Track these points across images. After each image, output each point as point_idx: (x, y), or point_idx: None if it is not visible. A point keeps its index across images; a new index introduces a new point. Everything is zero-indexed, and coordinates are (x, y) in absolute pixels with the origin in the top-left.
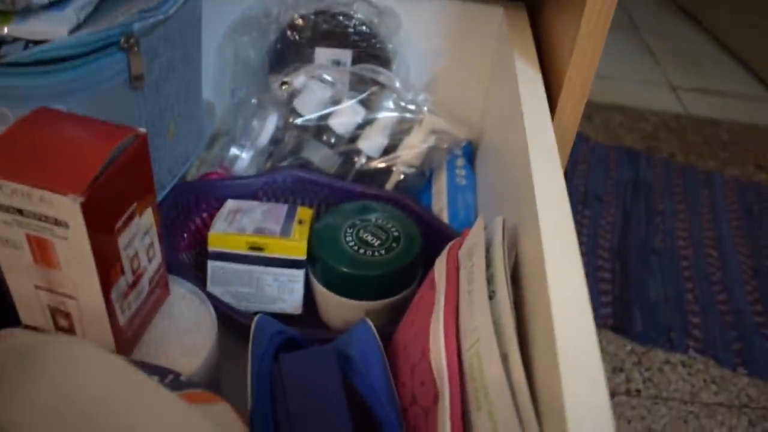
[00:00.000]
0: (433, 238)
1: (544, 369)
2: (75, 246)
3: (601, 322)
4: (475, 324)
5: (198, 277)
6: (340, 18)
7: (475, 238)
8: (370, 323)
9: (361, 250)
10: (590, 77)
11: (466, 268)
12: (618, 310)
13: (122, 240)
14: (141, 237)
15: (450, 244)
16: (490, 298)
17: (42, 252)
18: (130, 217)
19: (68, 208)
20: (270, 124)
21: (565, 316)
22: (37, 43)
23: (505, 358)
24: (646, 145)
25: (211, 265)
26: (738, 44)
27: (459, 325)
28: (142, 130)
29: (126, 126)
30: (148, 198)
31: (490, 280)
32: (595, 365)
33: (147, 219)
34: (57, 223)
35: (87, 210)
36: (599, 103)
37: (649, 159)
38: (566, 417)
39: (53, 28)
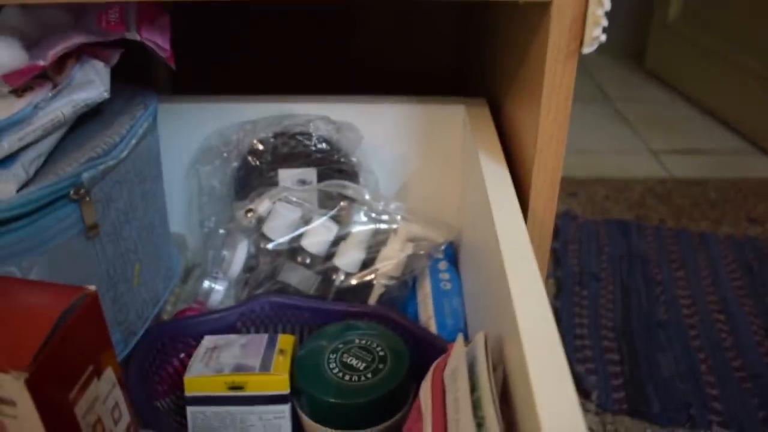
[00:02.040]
0: (422, 351)
1: None
2: (26, 424)
3: (615, 408)
4: None
5: (180, 423)
6: (300, 138)
7: (456, 360)
8: None
9: (347, 376)
10: (559, 167)
11: (452, 393)
12: (632, 392)
13: (80, 408)
14: (102, 400)
15: (434, 365)
16: (479, 425)
17: None
18: (87, 382)
19: (12, 385)
20: (241, 253)
21: None
22: None
23: None
24: (634, 214)
25: (191, 411)
26: (710, 101)
27: None
28: (92, 288)
29: (74, 286)
30: (106, 357)
31: (476, 404)
32: None
33: (107, 379)
34: (3, 401)
35: (33, 385)
36: (581, 178)
37: (640, 228)
38: None
39: (0, 187)
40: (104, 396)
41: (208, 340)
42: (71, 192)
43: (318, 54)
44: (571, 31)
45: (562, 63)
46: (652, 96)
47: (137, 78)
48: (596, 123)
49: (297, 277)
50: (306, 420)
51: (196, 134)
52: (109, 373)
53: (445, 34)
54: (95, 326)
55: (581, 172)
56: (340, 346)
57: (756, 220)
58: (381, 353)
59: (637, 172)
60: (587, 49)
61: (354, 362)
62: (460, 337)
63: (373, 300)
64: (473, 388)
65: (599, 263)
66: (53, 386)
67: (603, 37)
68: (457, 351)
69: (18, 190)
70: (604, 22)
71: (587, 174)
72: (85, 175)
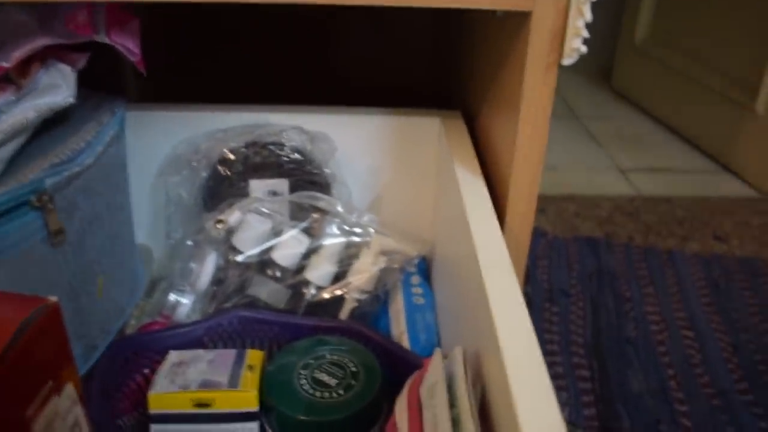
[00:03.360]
0: (395, 367)
1: None
2: None
3: (586, 424)
4: None
5: None
6: (272, 148)
7: (434, 376)
8: None
9: (318, 393)
10: (536, 183)
11: (430, 410)
12: (602, 409)
13: (38, 426)
14: (62, 417)
15: (409, 381)
16: None
17: None
18: (46, 399)
19: None
20: (209, 265)
21: None
22: None
23: None
24: (603, 231)
25: (155, 429)
26: (677, 121)
27: None
28: (53, 299)
29: (34, 297)
30: (67, 372)
31: (455, 420)
32: None
33: (68, 396)
34: None
35: None
36: (550, 194)
37: (609, 245)
38: None
39: None
40: (64, 413)
41: (173, 355)
42: (33, 198)
43: (290, 64)
44: (552, 42)
45: (542, 74)
46: (620, 114)
47: (103, 83)
48: (565, 140)
49: (267, 290)
50: None
51: (164, 143)
52: (69, 390)
53: (419, 45)
54: (56, 339)
55: (550, 189)
56: (311, 361)
57: (722, 238)
58: (353, 369)
59: (606, 189)
60: (567, 61)
61: (325, 378)
62: (437, 353)
63: (344, 314)
64: (452, 404)
65: (569, 280)
66: (10, 402)
67: (583, 48)
68: (435, 366)
69: None
70: (585, 34)
71: (556, 191)
72: (48, 182)
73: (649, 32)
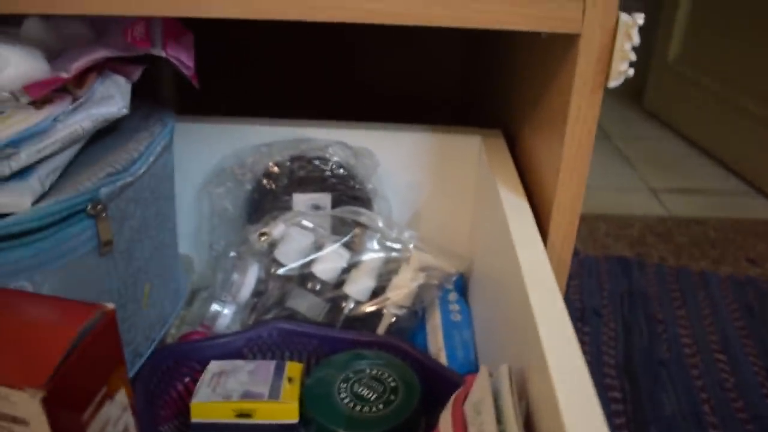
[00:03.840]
0: (432, 383)
1: None
2: None
3: None
4: None
5: None
6: (317, 162)
7: (480, 391)
8: None
9: (357, 407)
10: (579, 200)
11: (475, 426)
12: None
13: (92, 430)
14: (114, 422)
15: (453, 397)
16: None
17: None
18: (100, 404)
19: (27, 404)
20: (251, 277)
21: None
22: None
23: None
24: (635, 251)
25: None
26: (710, 143)
27: None
28: (110, 305)
29: (91, 303)
30: (119, 378)
31: None
32: None
33: (120, 401)
34: (15, 421)
35: (49, 404)
36: (582, 213)
37: (641, 266)
38: None
39: (15, 200)
40: (115, 419)
41: (214, 365)
42: (88, 207)
43: (317, 79)
44: (598, 64)
45: (588, 96)
46: (652, 135)
47: (145, 95)
48: (596, 160)
49: (306, 303)
50: None
51: (210, 155)
52: (121, 396)
53: (448, 63)
54: (111, 345)
55: (582, 208)
56: (351, 375)
57: (755, 261)
58: (392, 384)
59: (637, 209)
60: (614, 83)
61: (365, 392)
62: (483, 369)
63: (382, 329)
64: (498, 420)
65: (600, 299)
66: (68, 405)
67: (631, 71)
68: (482, 383)
69: (33, 204)
70: (632, 57)
71: (587, 210)
72: (103, 191)
73: (681, 52)
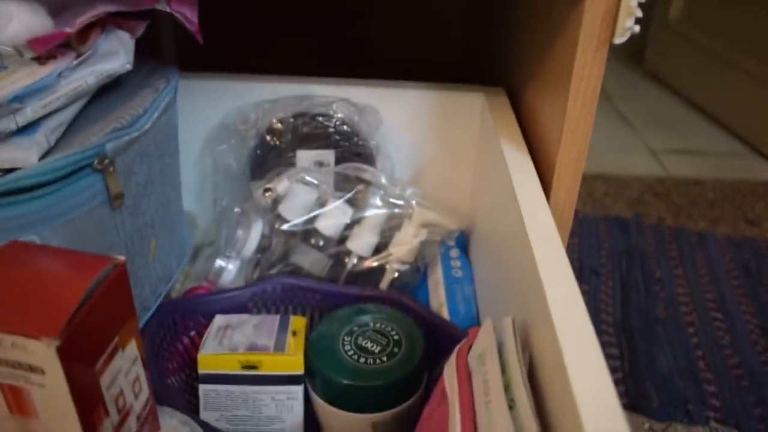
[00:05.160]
0: (435, 337)
1: None
2: (53, 393)
3: None
4: None
5: (189, 402)
6: (320, 119)
7: (485, 342)
8: None
9: (362, 359)
10: (582, 158)
11: (480, 375)
12: (631, 388)
13: (105, 379)
14: (125, 372)
15: (457, 348)
16: (510, 408)
17: (17, 401)
18: (113, 353)
19: (43, 352)
20: (255, 233)
21: (597, 424)
22: (5, 171)
23: None
24: (633, 212)
25: (203, 389)
26: (710, 103)
27: None
28: (121, 257)
29: (103, 255)
30: (130, 329)
31: (506, 387)
32: None
33: (131, 352)
34: (31, 369)
35: (64, 353)
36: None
37: (639, 226)
38: None
39: (22, 155)
40: (127, 369)
41: (219, 319)
42: (95, 162)
43: (320, 40)
44: (604, 20)
45: (593, 53)
46: (651, 96)
47: (147, 52)
48: (596, 120)
49: (309, 259)
50: (319, 402)
51: (213, 112)
52: (132, 346)
53: (452, 21)
54: (122, 297)
55: None
56: (355, 328)
57: (753, 222)
58: (396, 337)
59: (637, 170)
60: (619, 40)
61: (369, 345)
62: (488, 321)
63: (384, 285)
64: (502, 370)
65: (599, 259)
66: (82, 355)
67: (636, 28)
68: (486, 334)
69: (40, 159)
70: (638, 13)
71: (586, 170)
72: (110, 146)
73: (683, 12)
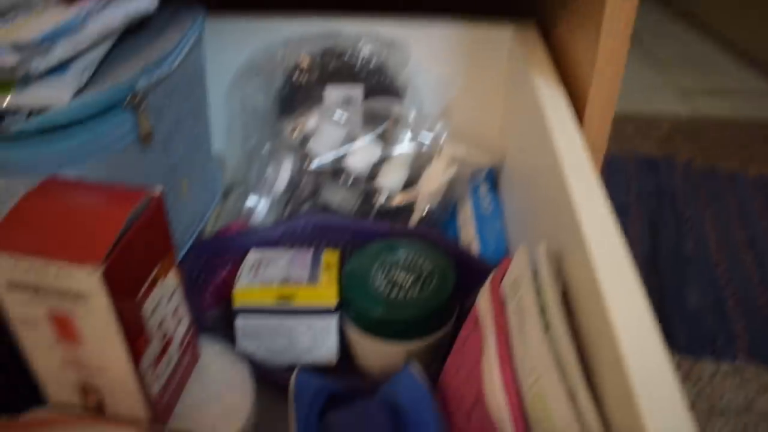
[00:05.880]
0: (465, 272)
1: (617, 404)
2: (98, 319)
3: None
4: (533, 362)
5: (227, 334)
6: (348, 56)
7: (519, 268)
8: (416, 370)
9: (394, 292)
10: (615, 94)
11: (514, 301)
12: (659, 325)
13: (147, 307)
14: (166, 301)
15: (490, 277)
16: (546, 328)
17: (64, 328)
18: (154, 282)
19: (88, 279)
20: (285, 171)
21: (633, 344)
22: (39, 111)
23: (571, 395)
24: (662, 151)
25: (240, 321)
26: (743, 43)
27: (514, 365)
28: (158, 190)
29: (140, 188)
30: (169, 259)
31: (542, 311)
32: (675, 395)
33: (171, 281)
34: (78, 295)
35: (108, 279)
36: None
37: (669, 165)
38: None
39: (56, 94)
40: (167, 297)
41: (253, 254)
42: (128, 98)
43: None
44: None
45: None
46: (681, 35)
47: None
48: (627, 60)
49: (339, 196)
50: (353, 333)
51: (239, 51)
52: (171, 276)
53: None
54: (160, 228)
55: None
56: (387, 262)
57: None
58: (427, 270)
59: (666, 110)
60: None
61: (401, 278)
62: (523, 248)
63: (414, 221)
64: (537, 294)
65: (628, 198)
66: (125, 282)
67: None
68: (520, 261)
69: (72, 98)
70: None
71: (615, 109)
72: (141, 83)
73: None
